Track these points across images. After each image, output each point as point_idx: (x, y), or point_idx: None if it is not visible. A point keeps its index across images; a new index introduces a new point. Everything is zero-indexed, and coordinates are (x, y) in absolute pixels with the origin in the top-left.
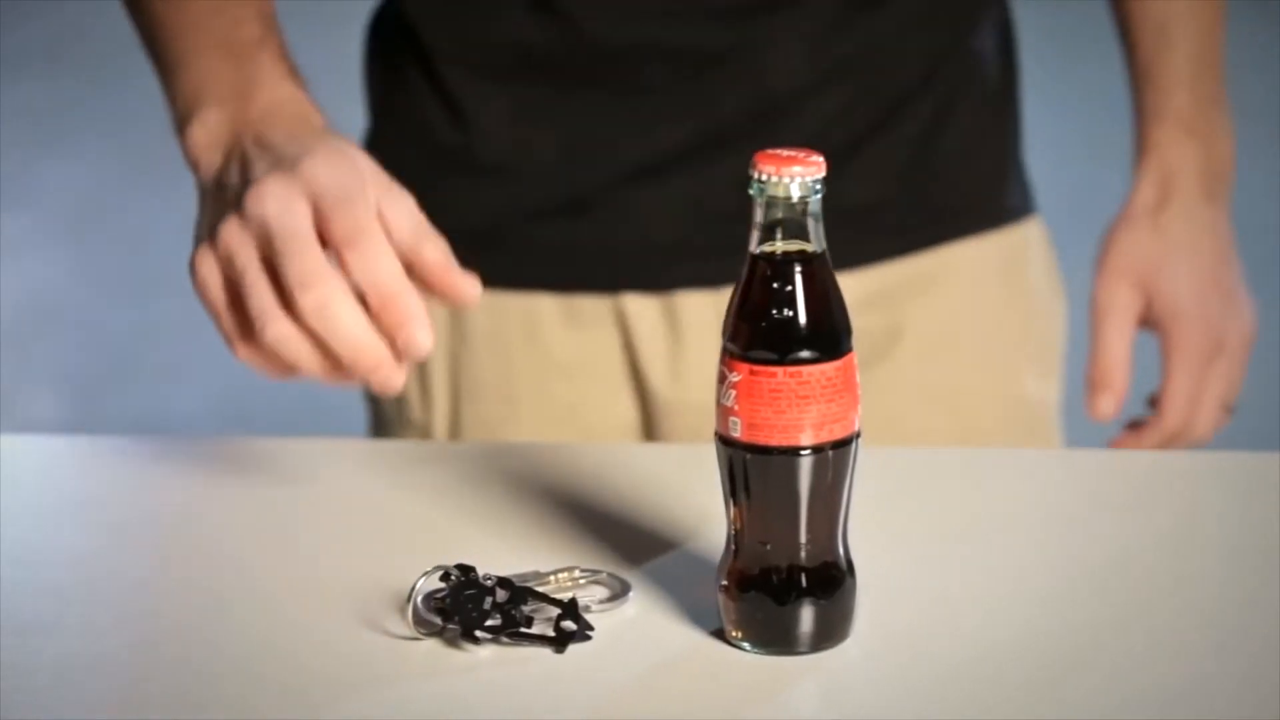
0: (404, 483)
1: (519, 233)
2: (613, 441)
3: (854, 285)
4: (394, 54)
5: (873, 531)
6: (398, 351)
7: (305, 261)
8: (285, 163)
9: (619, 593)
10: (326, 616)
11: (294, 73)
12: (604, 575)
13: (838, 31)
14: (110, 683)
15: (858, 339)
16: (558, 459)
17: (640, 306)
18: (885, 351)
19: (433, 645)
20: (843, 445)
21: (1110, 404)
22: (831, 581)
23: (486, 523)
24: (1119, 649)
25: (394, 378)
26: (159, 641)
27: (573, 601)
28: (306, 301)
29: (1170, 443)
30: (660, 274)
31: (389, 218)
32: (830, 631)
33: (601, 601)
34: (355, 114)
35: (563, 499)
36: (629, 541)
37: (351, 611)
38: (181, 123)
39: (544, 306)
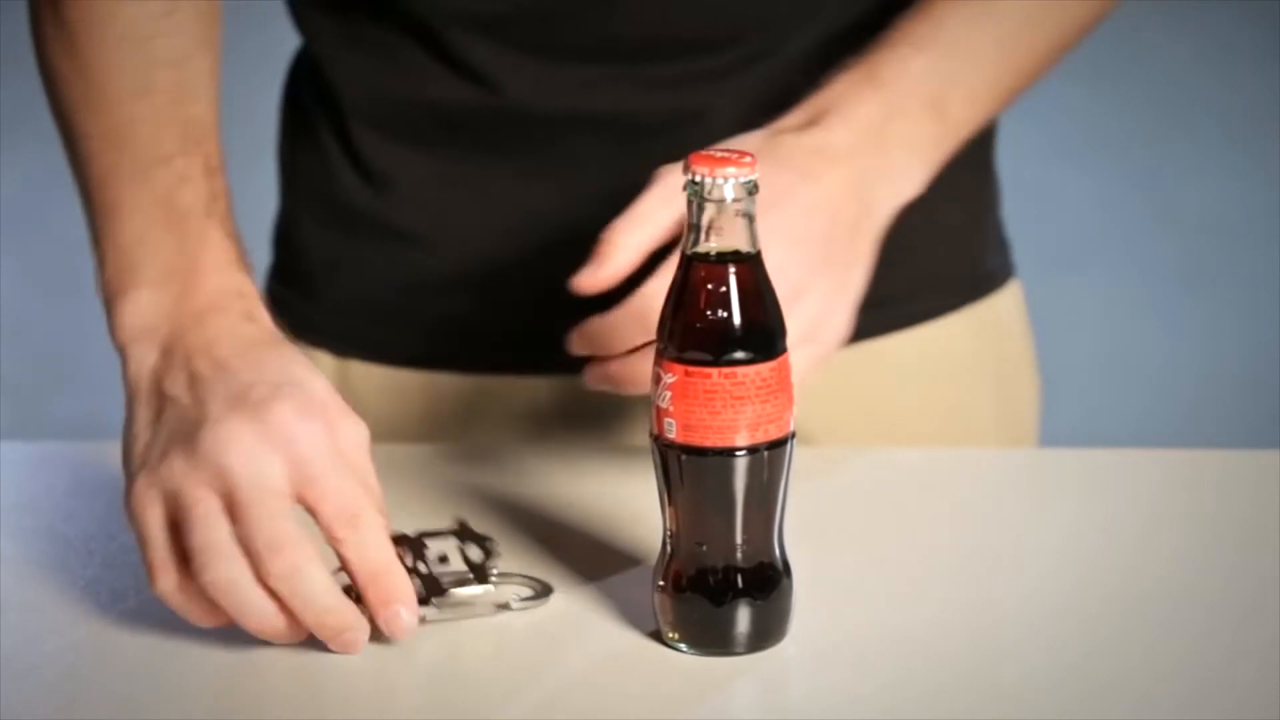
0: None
1: (429, 307)
2: (547, 443)
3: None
4: (309, 110)
5: (810, 531)
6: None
7: (277, 526)
8: (248, 404)
9: (540, 593)
10: None
11: (241, 256)
12: (518, 577)
13: (785, 98)
14: (47, 689)
15: (816, 419)
16: (489, 462)
17: (560, 393)
18: (842, 432)
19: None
20: (778, 445)
21: (586, 277)
22: (768, 582)
23: (423, 526)
24: (1068, 646)
25: (360, 641)
26: (96, 647)
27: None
28: (277, 566)
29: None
30: (583, 358)
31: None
32: (767, 632)
33: (523, 599)
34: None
35: (496, 502)
36: (565, 544)
37: None
38: (110, 291)
39: (447, 388)
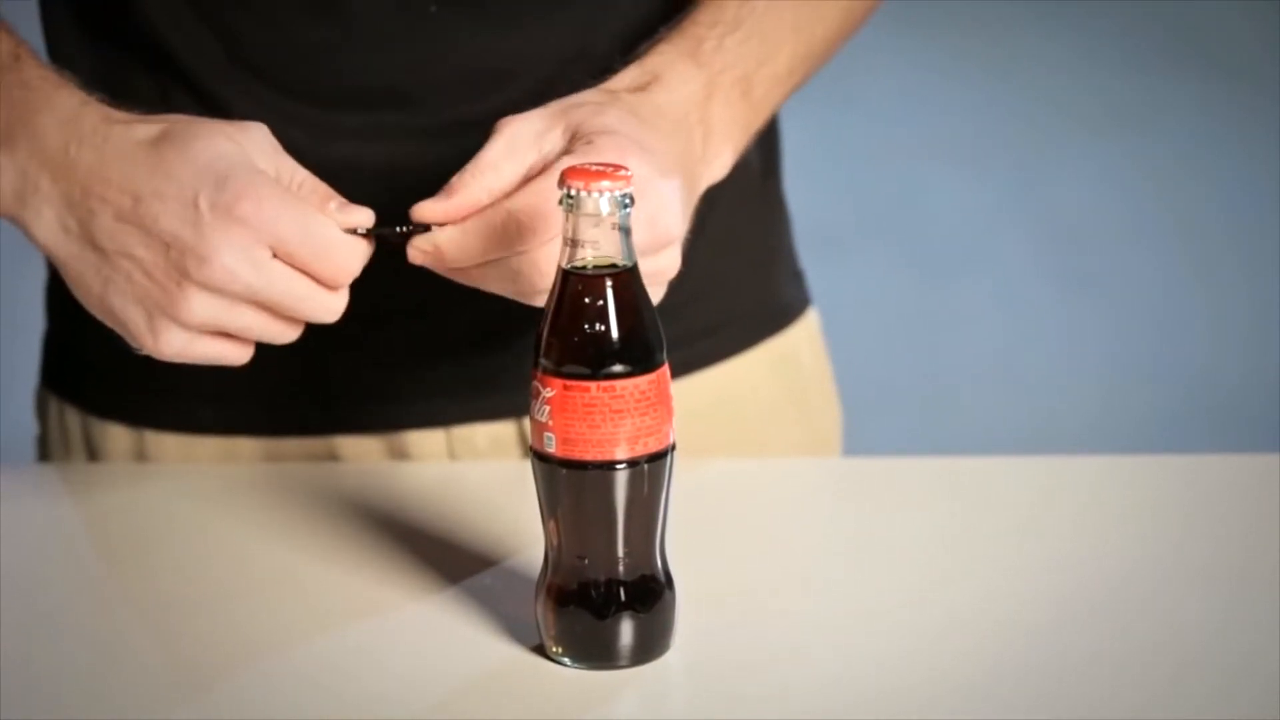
0: (220, 507)
1: (216, 370)
2: (428, 461)
3: None
4: None
5: (690, 544)
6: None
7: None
8: (204, 223)
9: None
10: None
11: (63, 79)
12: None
13: None
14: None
15: None
16: (372, 479)
17: (359, 450)
18: None
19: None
20: (658, 458)
21: (430, 205)
22: (650, 594)
23: (306, 544)
24: (986, 658)
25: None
26: (89, 647)
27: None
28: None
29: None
30: (379, 415)
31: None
32: (650, 644)
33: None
34: None
35: (381, 519)
36: (448, 559)
37: (164, 628)
38: None
39: (244, 449)
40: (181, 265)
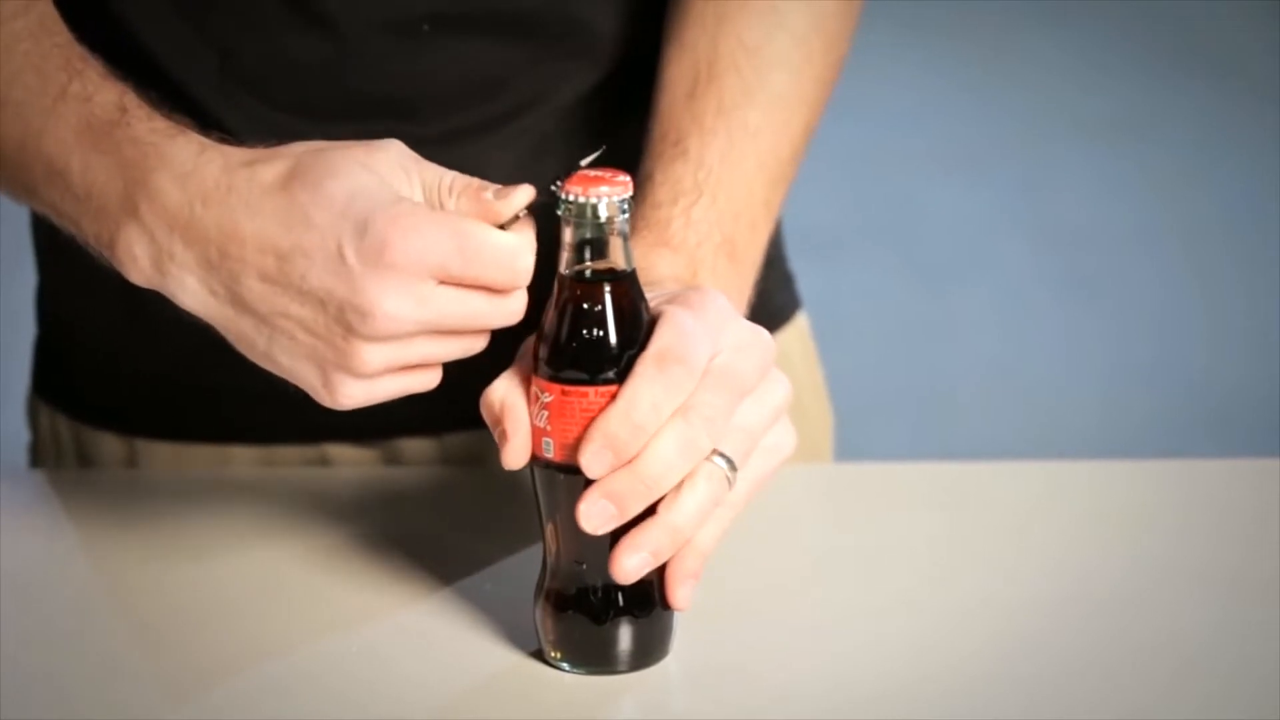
0: (219, 509)
1: (209, 377)
2: (425, 466)
3: None
4: None
5: None
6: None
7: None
8: (345, 263)
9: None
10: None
11: (171, 123)
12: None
13: (561, 142)
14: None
15: None
16: (366, 483)
17: (351, 457)
18: None
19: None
20: None
21: (508, 458)
22: (649, 600)
23: (301, 549)
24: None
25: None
26: (82, 648)
27: None
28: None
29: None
30: (372, 422)
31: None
32: (649, 649)
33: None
34: None
35: (376, 524)
36: (445, 564)
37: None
38: (102, 242)
39: (238, 457)
40: (343, 320)
